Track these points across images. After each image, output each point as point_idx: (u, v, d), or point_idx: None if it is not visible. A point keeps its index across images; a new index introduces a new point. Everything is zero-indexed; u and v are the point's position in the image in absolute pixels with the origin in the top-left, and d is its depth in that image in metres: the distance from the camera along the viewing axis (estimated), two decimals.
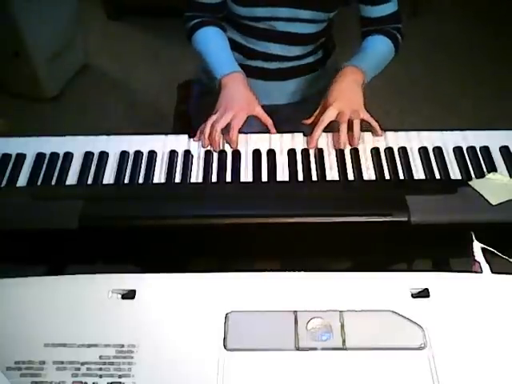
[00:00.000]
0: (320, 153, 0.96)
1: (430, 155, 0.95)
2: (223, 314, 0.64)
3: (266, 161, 0.94)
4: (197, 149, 0.97)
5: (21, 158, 0.95)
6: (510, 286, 0.67)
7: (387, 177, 0.91)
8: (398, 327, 0.63)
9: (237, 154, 0.95)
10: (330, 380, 0.59)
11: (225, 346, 0.61)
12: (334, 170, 0.93)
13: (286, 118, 1.21)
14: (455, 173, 0.92)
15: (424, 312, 0.64)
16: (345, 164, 0.93)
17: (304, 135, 0.98)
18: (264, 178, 0.92)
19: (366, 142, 0.97)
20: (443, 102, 2.25)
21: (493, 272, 0.68)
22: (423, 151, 0.95)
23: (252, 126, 1.00)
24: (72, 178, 0.92)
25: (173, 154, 0.95)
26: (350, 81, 1.01)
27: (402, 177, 0.91)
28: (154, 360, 0.60)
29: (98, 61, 2.44)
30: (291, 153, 0.96)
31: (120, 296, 0.67)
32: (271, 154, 0.95)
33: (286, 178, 0.92)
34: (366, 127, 0.98)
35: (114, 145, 0.96)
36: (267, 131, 1.00)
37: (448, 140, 0.97)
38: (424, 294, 0.66)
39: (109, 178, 0.92)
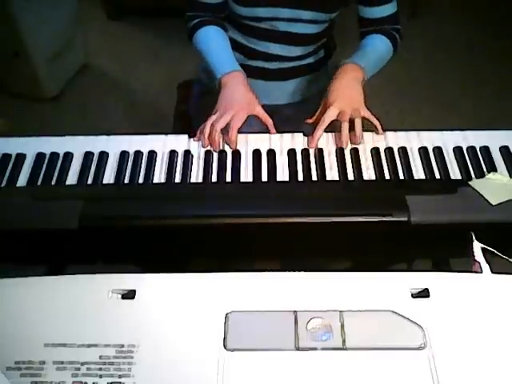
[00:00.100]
0: (320, 153, 0.96)
1: (430, 155, 0.95)
2: (223, 314, 0.64)
3: (265, 161, 0.94)
4: (197, 149, 0.97)
5: (21, 158, 0.95)
6: (510, 285, 0.67)
7: (387, 177, 0.91)
8: (397, 327, 0.63)
9: (237, 154, 0.95)
10: (330, 380, 0.59)
11: (225, 346, 0.61)
12: (334, 170, 0.93)
13: (286, 118, 1.21)
14: (455, 173, 0.92)
15: (424, 312, 0.64)
16: (345, 164, 0.94)
17: (304, 135, 0.98)
18: (264, 177, 0.92)
19: (366, 142, 0.97)
20: (443, 102, 2.26)
21: (493, 272, 0.68)
22: (423, 151, 0.95)
23: (252, 125, 1.00)
24: (72, 178, 0.92)
25: (173, 154, 0.95)
26: (349, 78, 1.01)
27: (402, 177, 0.91)
28: (154, 360, 0.60)
29: (97, 61, 2.44)
30: (291, 153, 0.96)
31: (120, 296, 0.67)
32: (271, 154, 0.95)
33: (286, 178, 0.92)
34: (366, 126, 0.98)
35: (114, 145, 0.96)
36: (267, 131, 1.00)
37: (448, 140, 0.97)
38: (424, 294, 0.66)
39: (109, 178, 0.92)
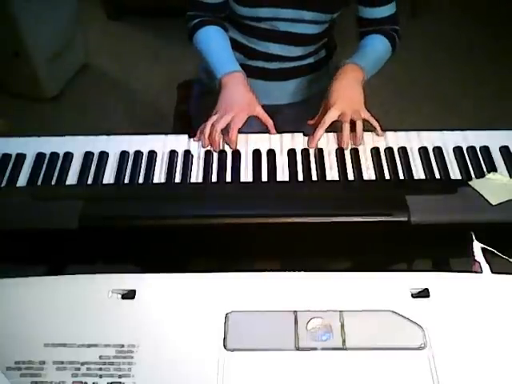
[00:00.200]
0: (320, 153, 0.96)
1: (430, 155, 0.95)
2: (223, 314, 0.64)
3: (265, 161, 0.94)
4: (197, 149, 0.97)
5: (21, 158, 0.95)
6: (510, 285, 0.67)
7: (387, 177, 0.91)
8: (397, 327, 0.63)
9: (237, 154, 0.95)
10: (330, 380, 0.59)
11: (225, 346, 0.61)
12: (334, 170, 0.93)
13: (286, 118, 1.21)
14: (455, 173, 0.92)
15: (424, 312, 0.64)
16: (345, 164, 0.94)
17: (304, 135, 0.98)
18: (264, 177, 0.92)
19: (366, 142, 0.97)
20: (443, 102, 2.26)
21: (493, 272, 0.68)
22: (423, 151, 0.95)
23: (252, 126, 1.00)
24: (72, 178, 0.92)
25: (173, 154, 0.95)
26: (350, 79, 1.01)
27: (402, 177, 0.91)
28: (154, 360, 0.60)
29: (97, 61, 2.44)
30: (291, 153, 0.96)
31: (120, 296, 0.67)
32: (271, 154, 0.95)
33: (286, 178, 0.92)
34: (366, 127, 0.98)
35: (114, 145, 0.96)
36: (267, 131, 1.00)
37: (448, 140, 0.97)
38: (424, 294, 0.66)
39: (109, 178, 0.92)
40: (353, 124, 0.96)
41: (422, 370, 0.59)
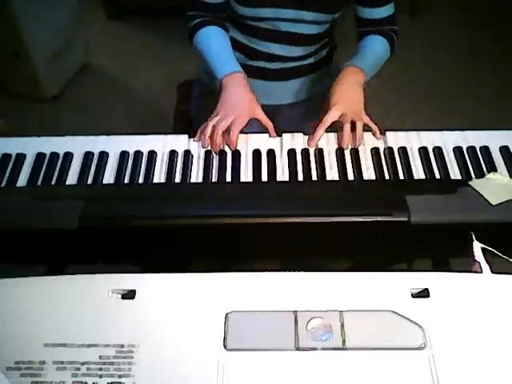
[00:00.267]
0: (320, 153, 0.96)
1: (430, 155, 0.95)
2: (223, 314, 0.64)
3: (265, 161, 0.94)
4: (197, 149, 0.97)
5: (21, 158, 0.95)
6: (510, 285, 0.67)
7: (387, 177, 0.91)
8: (397, 327, 0.63)
9: (237, 154, 0.95)
10: (330, 380, 0.59)
11: (225, 346, 0.61)
12: (334, 170, 0.93)
13: (286, 118, 1.21)
14: (455, 173, 0.92)
15: (424, 312, 0.64)
16: (345, 164, 0.94)
17: (304, 135, 0.98)
18: (264, 177, 0.92)
19: (366, 142, 0.97)
20: (443, 102, 2.26)
21: (493, 272, 0.68)
22: (423, 151, 0.95)
23: (252, 126, 1.00)
24: (72, 178, 0.92)
25: (173, 154, 0.95)
26: (351, 82, 1.01)
27: (402, 177, 0.91)
28: (154, 360, 0.60)
29: (97, 61, 2.44)
30: (291, 153, 0.96)
31: (120, 296, 0.67)
32: (271, 154, 0.95)
33: (286, 178, 0.91)
34: (366, 128, 0.98)
35: (114, 145, 0.96)
36: (267, 131, 1.00)
37: (448, 140, 0.97)
38: (424, 294, 0.66)
39: (109, 178, 0.92)
40: (353, 125, 0.97)
41: (422, 370, 0.59)
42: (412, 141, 0.97)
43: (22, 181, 0.92)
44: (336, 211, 0.80)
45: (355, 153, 0.95)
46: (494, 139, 0.97)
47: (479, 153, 0.95)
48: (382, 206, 0.80)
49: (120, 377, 0.59)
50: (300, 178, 0.92)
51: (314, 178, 0.92)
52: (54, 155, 0.95)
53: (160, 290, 0.67)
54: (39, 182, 0.91)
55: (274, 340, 0.62)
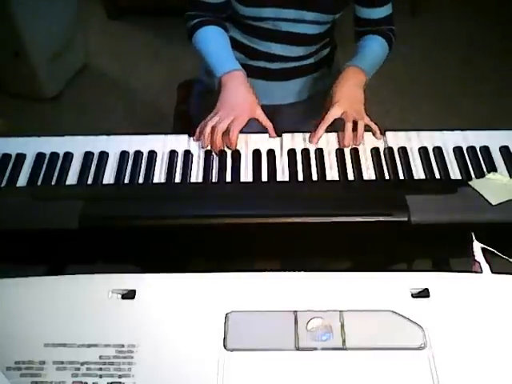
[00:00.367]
0: (320, 153, 0.96)
1: (430, 155, 0.95)
2: (223, 314, 0.64)
3: (265, 161, 0.94)
4: (197, 149, 0.97)
5: (21, 158, 0.95)
6: (510, 286, 0.67)
7: (387, 177, 0.91)
8: (397, 327, 0.63)
9: (237, 154, 0.95)
10: (330, 380, 0.59)
11: (225, 346, 0.61)
12: (334, 170, 0.93)
13: (287, 118, 1.21)
14: (455, 173, 0.92)
15: (424, 312, 0.64)
16: (345, 164, 0.94)
17: (304, 134, 0.98)
18: (264, 178, 0.92)
19: (366, 142, 0.97)
20: (443, 101, 2.26)
21: (493, 272, 0.68)
22: (423, 151, 0.95)
23: (252, 126, 1.00)
24: (72, 178, 0.92)
25: (173, 154, 0.95)
26: (352, 84, 1.02)
27: (402, 177, 0.91)
28: (154, 360, 0.60)
29: (97, 60, 2.44)
30: (291, 153, 0.96)
31: (120, 296, 0.67)
32: (271, 154, 0.95)
33: (286, 178, 0.91)
34: (366, 128, 0.98)
35: (114, 145, 0.96)
36: (267, 132, 1.00)
37: (448, 140, 0.97)
38: (424, 294, 0.66)
39: (109, 178, 0.92)
40: (354, 124, 0.97)
41: (422, 370, 0.59)
42: (412, 141, 0.97)
43: (22, 181, 0.92)
44: (336, 211, 0.80)
45: (355, 153, 0.95)
46: (493, 139, 0.97)
47: (479, 153, 0.95)
48: (382, 206, 0.80)
49: (120, 377, 0.59)
50: (300, 178, 0.92)
51: (314, 178, 0.91)
52: (54, 155, 0.95)
53: (160, 289, 0.67)
54: (39, 182, 0.91)
55: (274, 340, 0.62)
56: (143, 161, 0.94)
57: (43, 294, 0.67)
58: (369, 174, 0.92)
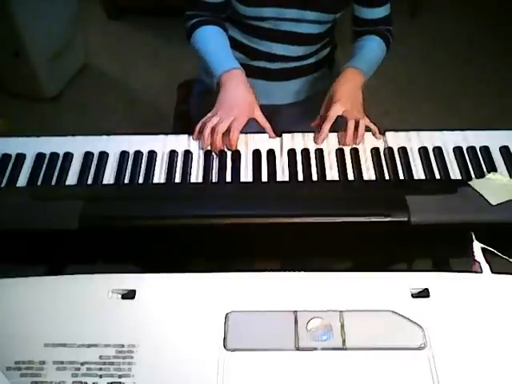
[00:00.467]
0: (320, 153, 0.96)
1: (430, 155, 0.95)
2: (223, 314, 0.64)
3: (265, 161, 0.94)
4: (197, 149, 0.97)
5: (21, 158, 0.95)
6: (510, 286, 0.67)
7: (387, 177, 0.91)
8: (397, 327, 0.63)
9: (237, 154, 0.95)
10: (330, 380, 0.59)
11: (225, 346, 0.61)
12: (334, 170, 0.93)
13: (287, 118, 1.21)
14: (455, 173, 0.92)
15: (424, 312, 0.64)
16: (345, 164, 0.94)
17: (304, 134, 0.98)
18: (264, 178, 0.92)
19: (366, 142, 0.97)
20: (443, 101, 2.26)
21: (493, 272, 0.68)
22: (423, 151, 0.95)
23: (252, 127, 1.00)
24: (72, 178, 0.92)
25: (173, 154, 0.95)
26: (350, 86, 1.02)
27: (402, 177, 0.92)
28: (154, 360, 0.60)
29: (97, 61, 2.44)
30: (291, 153, 0.96)
31: (120, 296, 0.67)
32: (271, 154, 0.95)
33: (286, 178, 0.92)
34: (366, 129, 0.98)
35: (114, 145, 0.96)
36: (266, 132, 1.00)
37: (448, 140, 0.97)
38: (424, 294, 0.66)
39: (109, 178, 0.92)
40: (355, 124, 0.97)
41: (422, 370, 0.59)
42: (412, 141, 0.97)
43: (21, 181, 0.92)
44: (336, 211, 0.80)
45: (355, 153, 0.95)
46: (493, 139, 0.97)
47: (479, 153, 0.95)
48: (381, 206, 0.80)
49: (120, 377, 0.59)
50: (300, 178, 0.92)
51: (314, 178, 0.92)
52: (54, 155, 0.95)
53: (160, 289, 0.67)
54: (39, 182, 0.91)
55: (273, 340, 0.62)
56: (143, 161, 0.94)
57: (43, 293, 0.67)
58: (369, 174, 0.92)
